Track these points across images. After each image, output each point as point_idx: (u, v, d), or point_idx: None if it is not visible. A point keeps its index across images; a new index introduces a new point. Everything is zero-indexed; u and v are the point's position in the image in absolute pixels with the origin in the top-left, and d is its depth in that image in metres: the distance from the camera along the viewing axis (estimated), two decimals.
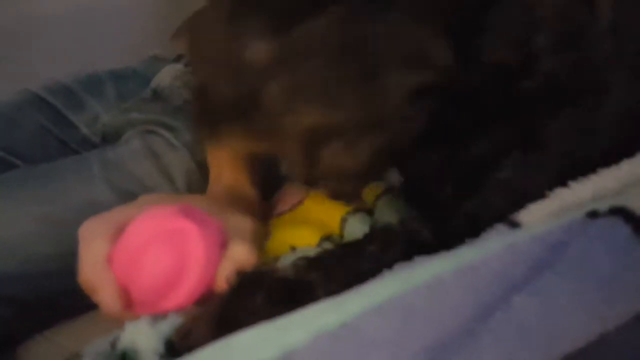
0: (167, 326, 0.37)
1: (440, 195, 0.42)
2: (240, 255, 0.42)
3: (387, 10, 0.33)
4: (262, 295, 0.37)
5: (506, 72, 0.37)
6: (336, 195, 0.42)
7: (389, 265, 0.34)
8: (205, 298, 0.41)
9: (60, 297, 0.65)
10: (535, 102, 0.38)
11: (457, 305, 0.29)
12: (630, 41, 0.38)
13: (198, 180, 0.70)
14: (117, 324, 0.39)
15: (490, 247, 0.30)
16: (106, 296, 0.41)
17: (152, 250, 0.41)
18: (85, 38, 1.02)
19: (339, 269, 0.38)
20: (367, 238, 0.41)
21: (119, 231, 0.43)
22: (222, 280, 0.41)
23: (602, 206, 0.31)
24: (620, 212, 0.30)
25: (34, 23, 1.00)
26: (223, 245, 0.43)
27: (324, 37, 0.33)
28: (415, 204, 0.45)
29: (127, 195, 0.67)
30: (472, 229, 0.34)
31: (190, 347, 0.33)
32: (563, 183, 0.35)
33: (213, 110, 0.37)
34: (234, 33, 0.35)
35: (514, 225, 0.33)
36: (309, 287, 0.37)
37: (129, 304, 0.42)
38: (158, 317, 0.38)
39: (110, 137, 0.79)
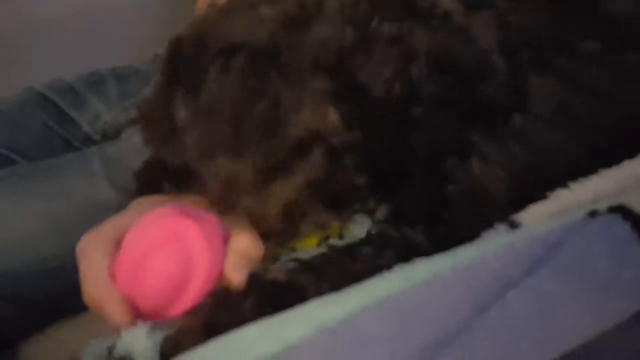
0: (163, 336, 0.37)
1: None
2: (245, 244, 0.42)
3: (271, 72, 0.38)
4: (251, 300, 0.37)
5: (395, 103, 0.39)
6: (266, 236, 0.43)
7: (384, 269, 0.34)
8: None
9: (61, 295, 0.65)
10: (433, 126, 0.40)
11: (455, 303, 0.29)
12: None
13: None
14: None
15: (489, 247, 0.30)
16: (113, 312, 0.40)
17: (153, 257, 0.40)
18: (88, 37, 1.03)
19: (331, 272, 0.38)
20: (363, 242, 0.41)
21: (117, 243, 0.42)
22: (231, 274, 0.40)
23: (602, 205, 0.31)
24: (618, 210, 0.30)
25: (38, 23, 1.01)
26: (225, 239, 0.42)
27: (226, 96, 0.38)
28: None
29: (127, 191, 0.68)
30: (464, 234, 0.35)
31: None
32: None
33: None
34: (166, 99, 0.40)
35: (514, 225, 0.33)
36: (300, 291, 0.37)
37: (137, 315, 0.41)
38: (156, 325, 0.38)
39: (111, 136, 0.79)
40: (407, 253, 0.37)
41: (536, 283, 0.29)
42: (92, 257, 0.42)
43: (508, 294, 0.28)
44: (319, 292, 0.33)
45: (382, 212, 0.45)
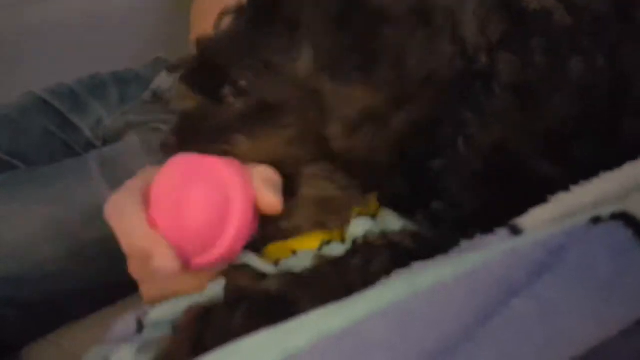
0: (151, 357, 0.36)
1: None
2: (267, 172, 0.41)
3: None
4: (240, 312, 0.36)
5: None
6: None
7: (375, 278, 0.34)
8: (254, 228, 0.40)
9: (63, 300, 0.65)
10: None
11: (458, 310, 0.29)
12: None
13: None
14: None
15: (492, 252, 0.30)
16: (163, 258, 0.39)
17: (190, 191, 0.39)
18: (88, 41, 1.03)
19: (323, 286, 0.38)
20: (350, 253, 0.41)
21: (146, 194, 0.41)
22: (266, 194, 0.40)
23: (605, 212, 0.31)
24: (621, 217, 0.30)
25: (39, 27, 1.01)
26: (247, 170, 0.41)
27: (355, 31, 0.41)
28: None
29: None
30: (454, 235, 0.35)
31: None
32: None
33: None
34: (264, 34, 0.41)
35: (516, 230, 0.33)
36: (291, 304, 0.36)
37: (186, 261, 0.40)
38: (143, 347, 0.37)
39: (111, 140, 0.79)
40: (395, 258, 0.37)
41: (539, 290, 0.29)
42: (127, 210, 0.41)
43: (511, 301, 0.28)
44: (312, 306, 0.33)
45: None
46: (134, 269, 0.43)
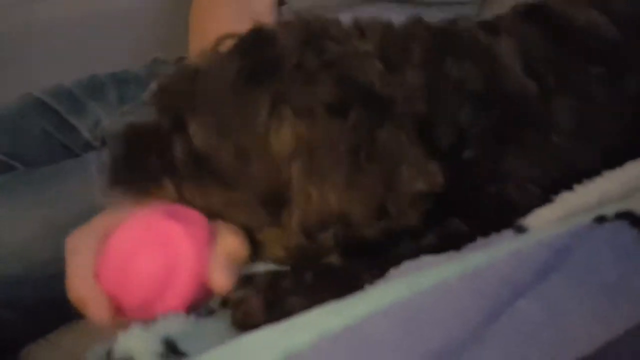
0: (163, 326, 0.37)
1: None
2: (231, 245, 0.42)
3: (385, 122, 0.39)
4: (309, 275, 0.38)
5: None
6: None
7: (426, 251, 0.35)
8: (200, 299, 0.41)
9: (63, 301, 0.65)
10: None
11: (463, 309, 0.29)
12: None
13: None
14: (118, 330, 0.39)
15: (497, 252, 0.30)
16: (95, 310, 0.41)
17: (139, 255, 0.41)
18: (87, 42, 1.02)
19: (381, 258, 0.39)
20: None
21: (104, 241, 0.42)
22: (216, 274, 0.40)
23: (609, 211, 0.31)
24: (625, 217, 0.30)
25: (36, 28, 1.00)
26: (212, 239, 0.42)
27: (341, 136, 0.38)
28: None
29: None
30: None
31: (243, 319, 0.36)
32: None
33: None
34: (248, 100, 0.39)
35: (521, 230, 0.33)
36: (355, 274, 0.38)
37: (121, 314, 0.41)
38: (149, 322, 0.38)
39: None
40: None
41: (545, 290, 0.28)
42: (79, 254, 0.42)
43: (518, 301, 0.28)
44: (373, 278, 0.35)
45: None
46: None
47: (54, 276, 0.63)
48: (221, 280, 0.40)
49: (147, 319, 0.39)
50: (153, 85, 0.82)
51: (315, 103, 0.38)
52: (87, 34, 1.03)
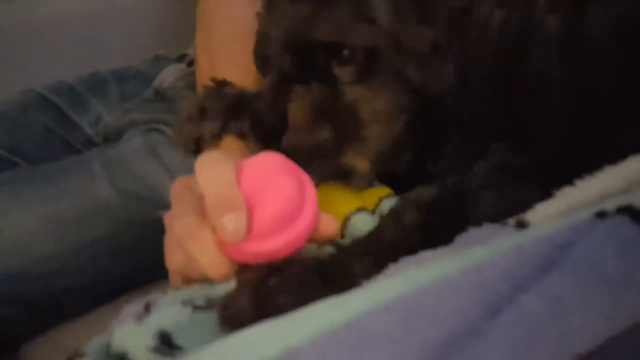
0: (157, 319, 0.36)
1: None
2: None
3: None
4: (298, 269, 0.37)
5: None
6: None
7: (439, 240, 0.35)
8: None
9: (64, 297, 0.65)
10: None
11: (463, 304, 0.29)
12: None
13: None
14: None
15: (498, 247, 0.30)
16: (239, 216, 0.38)
17: (276, 179, 0.41)
18: (88, 38, 1.02)
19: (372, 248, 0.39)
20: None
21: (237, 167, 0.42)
22: (327, 218, 0.42)
23: (610, 205, 0.31)
24: (627, 211, 0.30)
25: (38, 23, 1.00)
26: None
27: None
28: None
29: (128, 194, 0.67)
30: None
31: (231, 317, 0.35)
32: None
33: None
34: None
35: (522, 225, 0.32)
36: (346, 270, 0.38)
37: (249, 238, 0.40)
38: (142, 316, 0.37)
39: (112, 138, 0.79)
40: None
41: (547, 286, 0.28)
42: (219, 164, 0.41)
43: (521, 298, 0.28)
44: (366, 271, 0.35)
45: None
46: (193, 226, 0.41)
47: (55, 272, 0.64)
48: (331, 223, 0.42)
49: (266, 253, 0.39)
50: (155, 82, 0.83)
51: None
52: (88, 30, 1.03)
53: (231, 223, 0.38)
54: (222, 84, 0.56)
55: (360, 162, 0.47)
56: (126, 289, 0.68)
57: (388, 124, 0.48)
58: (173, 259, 0.41)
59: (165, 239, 0.42)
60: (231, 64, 0.60)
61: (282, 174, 0.42)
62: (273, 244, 0.40)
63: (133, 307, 0.36)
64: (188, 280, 0.41)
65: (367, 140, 0.47)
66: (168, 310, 0.36)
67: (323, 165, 0.47)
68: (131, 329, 0.34)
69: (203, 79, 0.62)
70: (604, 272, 0.29)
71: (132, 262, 0.68)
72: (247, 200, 0.39)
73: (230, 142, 0.53)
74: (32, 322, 0.65)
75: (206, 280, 0.40)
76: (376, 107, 0.47)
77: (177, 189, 0.43)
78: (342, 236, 0.50)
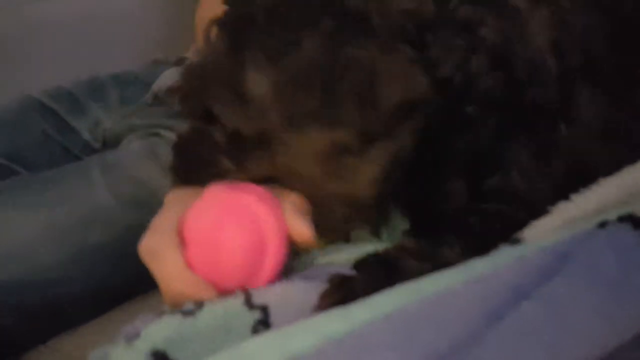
0: (145, 340, 0.35)
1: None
2: (296, 199, 0.41)
3: (362, 36, 0.38)
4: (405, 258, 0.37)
5: (453, 95, 0.39)
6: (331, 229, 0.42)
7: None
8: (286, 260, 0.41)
9: (63, 306, 0.65)
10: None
11: (466, 313, 0.29)
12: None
13: None
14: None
15: (499, 259, 0.30)
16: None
17: (224, 233, 0.40)
18: (87, 43, 1.02)
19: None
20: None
21: (179, 235, 0.41)
22: (299, 225, 0.40)
23: (612, 216, 0.31)
24: (628, 219, 0.30)
25: (36, 28, 1.00)
26: (276, 199, 0.42)
27: (314, 61, 0.37)
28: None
29: (129, 199, 0.67)
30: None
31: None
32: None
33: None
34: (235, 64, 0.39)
35: (516, 243, 0.33)
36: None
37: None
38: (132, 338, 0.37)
39: (111, 143, 0.78)
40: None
41: (548, 291, 0.28)
42: (164, 254, 0.41)
43: (521, 304, 0.28)
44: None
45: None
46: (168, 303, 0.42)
47: (55, 280, 0.64)
48: (302, 228, 0.40)
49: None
50: (154, 87, 0.83)
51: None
52: (86, 35, 1.03)
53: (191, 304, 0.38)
54: None
55: None
56: (128, 296, 0.68)
57: None
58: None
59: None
60: None
61: (227, 225, 0.40)
62: (255, 283, 0.39)
63: (130, 328, 0.36)
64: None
65: None
66: (157, 325, 0.35)
67: None
68: (124, 353, 0.34)
69: None
70: (604, 276, 0.29)
71: (133, 269, 0.67)
72: (204, 267, 0.39)
73: None
74: (33, 331, 0.64)
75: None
76: None
77: (168, 199, 0.44)
78: (347, 241, 0.49)
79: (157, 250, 0.41)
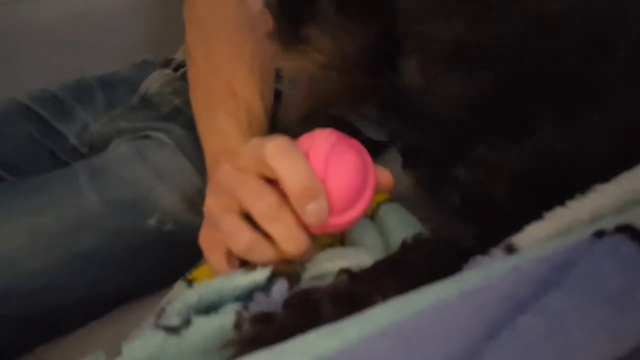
0: (138, 348, 0.35)
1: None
2: None
3: None
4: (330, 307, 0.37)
5: None
6: None
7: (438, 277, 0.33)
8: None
9: (53, 313, 0.64)
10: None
11: (462, 325, 0.28)
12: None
13: (193, 177, 0.68)
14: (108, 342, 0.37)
15: (494, 270, 0.29)
16: (319, 203, 0.42)
17: (344, 157, 0.44)
18: (74, 43, 1.01)
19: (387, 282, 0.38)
20: (405, 250, 0.42)
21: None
22: (383, 172, 0.47)
23: (609, 225, 0.30)
24: (626, 230, 0.29)
25: (23, 28, 0.99)
26: None
27: None
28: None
29: (117, 203, 0.66)
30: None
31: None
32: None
33: None
34: None
35: (511, 249, 0.32)
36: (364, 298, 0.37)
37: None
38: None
39: (98, 147, 0.77)
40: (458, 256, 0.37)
41: (547, 305, 0.28)
42: (293, 153, 0.43)
43: (519, 318, 0.27)
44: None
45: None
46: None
47: (43, 288, 0.63)
48: (388, 173, 0.47)
49: (344, 226, 0.44)
50: (142, 89, 0.81)
51: None
52: (74, 35, 1.01)
53: (315, 211, 0.42)
54: None
55: None
56: (118, 303, 0.67)
57: None
58: (238, 240, 0.43)
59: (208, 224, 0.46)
60: (233, 62, 0.60)
61: (344, 149, 0.45)
62: (350, 215, 0.44)
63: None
64: (242, 263, 0.44)
65: None
66: (139, 343, 0.35)
67: None
68: None
69: (198, 73, 0.63)
70: (604, 289, 0.28)
71: (123, 275, 0.67)
72: (321, 180, 0.43)
73: None
74: (21, 340, 0.64)
75: (275, 259, 0.43)
76: None
77: (228, 174, 0.45)
78: (342, 243, 0.49)
79: (288, 148, 0.43)
